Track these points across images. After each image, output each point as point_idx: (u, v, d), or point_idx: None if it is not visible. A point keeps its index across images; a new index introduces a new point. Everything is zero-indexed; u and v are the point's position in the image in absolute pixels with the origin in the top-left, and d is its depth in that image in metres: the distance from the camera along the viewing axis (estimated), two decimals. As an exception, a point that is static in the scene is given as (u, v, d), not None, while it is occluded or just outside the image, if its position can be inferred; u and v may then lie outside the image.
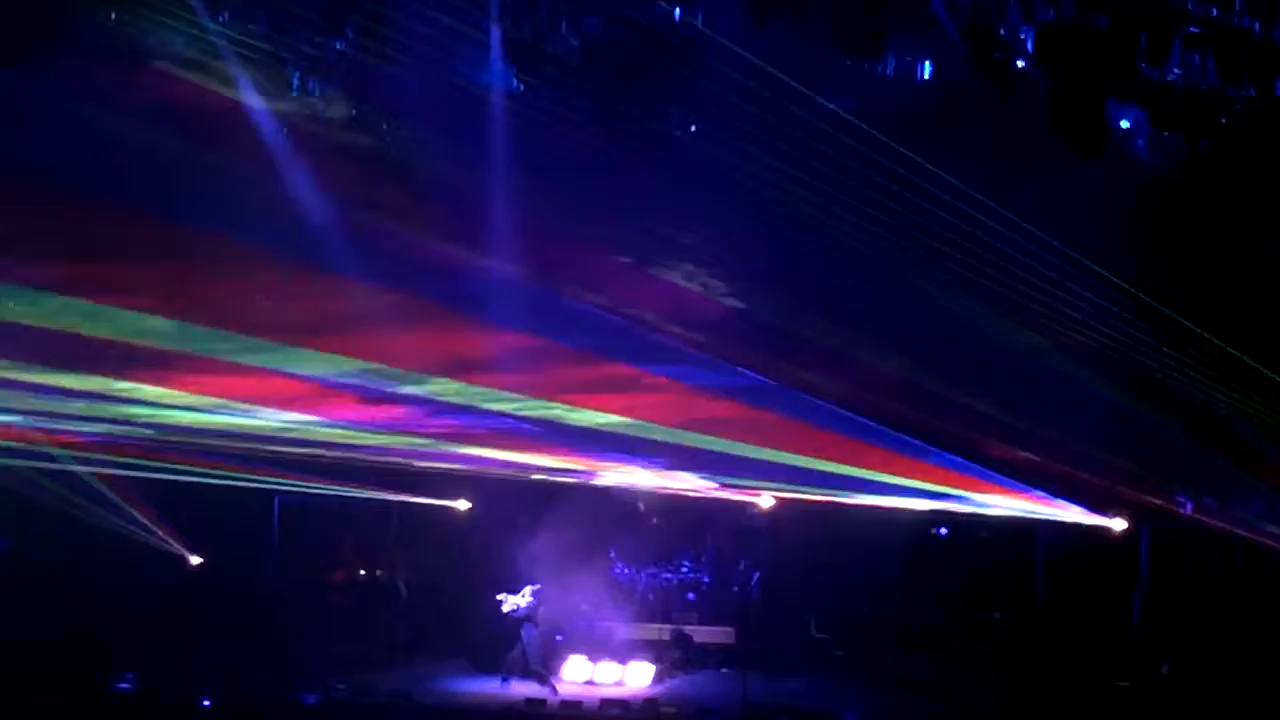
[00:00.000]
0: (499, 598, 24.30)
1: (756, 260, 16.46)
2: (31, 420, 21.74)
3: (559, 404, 20.98)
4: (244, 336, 17.68)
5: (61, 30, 12.95)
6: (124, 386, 19.99)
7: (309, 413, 21.39)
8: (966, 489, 22.99)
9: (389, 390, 20.24)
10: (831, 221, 14.89)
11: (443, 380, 19.86)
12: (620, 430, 21.65)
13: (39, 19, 12.78)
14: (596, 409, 21.13)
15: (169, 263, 15.97)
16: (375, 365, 19.05)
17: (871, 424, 20.13)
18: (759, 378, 19.23)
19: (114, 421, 21.63)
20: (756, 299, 17.79)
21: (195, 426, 21.88)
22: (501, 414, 21.20)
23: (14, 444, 22.33)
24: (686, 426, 21.66)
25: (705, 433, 21.76)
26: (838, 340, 17.92)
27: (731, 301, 17.99)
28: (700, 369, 19.12)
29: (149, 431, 22.36)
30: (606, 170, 15.08)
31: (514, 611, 24.06)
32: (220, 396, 20.46)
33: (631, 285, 17.25)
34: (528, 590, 24.37)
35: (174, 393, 20.23)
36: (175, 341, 17.99)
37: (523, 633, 24.00)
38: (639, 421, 21.43)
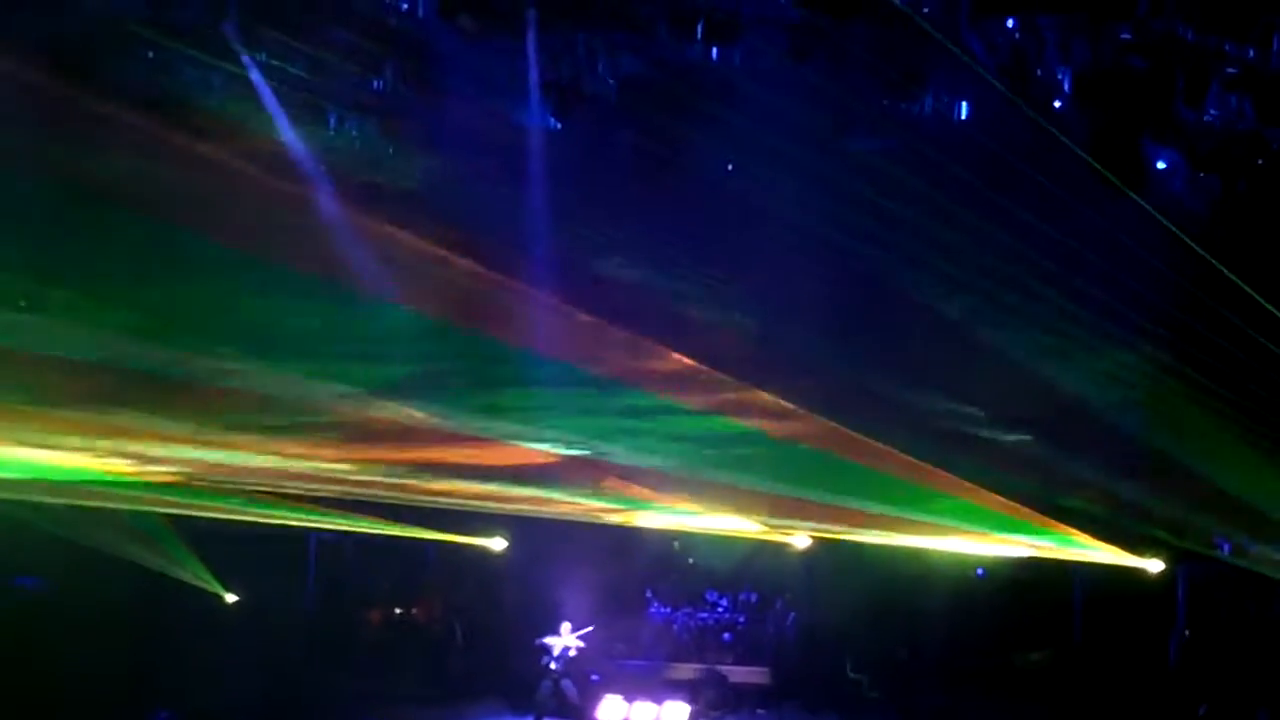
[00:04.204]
0: (546, 641, 23.84)
1: (795, 297, 16.39)
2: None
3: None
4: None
5: None
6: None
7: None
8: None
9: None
10: (872, 258, 14.88)
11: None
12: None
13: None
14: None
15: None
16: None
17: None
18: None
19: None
20: (792, 335, 17.70)
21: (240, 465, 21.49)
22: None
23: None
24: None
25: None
26: (881, 381, 17.80)
27: (764, 339, 17.93)
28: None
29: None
30: (643, 208, 15.13)
31: (564, 653, 23.60)
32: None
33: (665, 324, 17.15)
34: (566, 630, 23.93)
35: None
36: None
37: (556, 670, 23.80)
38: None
